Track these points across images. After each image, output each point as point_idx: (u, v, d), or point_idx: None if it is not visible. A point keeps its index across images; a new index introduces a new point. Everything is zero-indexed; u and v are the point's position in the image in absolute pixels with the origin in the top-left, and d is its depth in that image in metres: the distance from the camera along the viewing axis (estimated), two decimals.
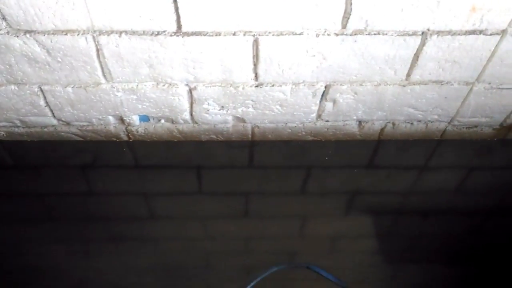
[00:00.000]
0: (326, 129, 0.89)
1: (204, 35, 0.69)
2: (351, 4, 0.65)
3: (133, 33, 0.68)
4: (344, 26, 0.68)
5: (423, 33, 0.70)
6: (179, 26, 0.67)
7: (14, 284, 0.61)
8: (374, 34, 0.69)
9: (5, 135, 0.88)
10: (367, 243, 0.69)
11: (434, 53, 0.73)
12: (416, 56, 0.73)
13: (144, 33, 0.68)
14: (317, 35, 0.69)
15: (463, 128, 0.90)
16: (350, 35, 0.69)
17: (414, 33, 0.70)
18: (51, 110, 0.82)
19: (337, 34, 0.69)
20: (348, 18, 0.67)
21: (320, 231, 0.71)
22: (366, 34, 0.69)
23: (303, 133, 0.90)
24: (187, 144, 0.86)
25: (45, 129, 0.87)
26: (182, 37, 0.68)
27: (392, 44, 0.71)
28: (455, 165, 0.83)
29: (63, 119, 0.84)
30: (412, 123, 0.89)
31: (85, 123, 0.86)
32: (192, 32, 0.68)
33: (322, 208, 0.74)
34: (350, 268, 0.66)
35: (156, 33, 0.68)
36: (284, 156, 0.83)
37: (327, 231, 0.71)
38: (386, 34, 0.69)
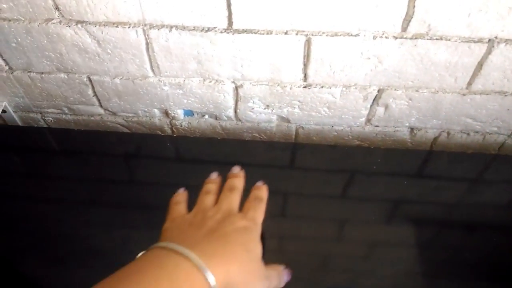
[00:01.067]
0: (375, 134, 0.85)
1: (255, 33, 0.66)
2: (413, 6, 0.60)
3: (184, 28, 0.66)
4: (404, 29, 0.64)
5: (489, 40, 0.64)
6: (230, 23, 0.65)
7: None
8: (436, 39, 0.65)
9: (52, 121, 0.90)
10: (404, 253, 0.65)
11: (500, 63, 0.67)
12: (480, 65, 0.68)
13: (194, 28, 0.66)
14: (374, 37, 0.66)
15: None
16: (410, 38, 0.65)
17: (480, 40, 0.64)
18: (99, 100, 0.82)
19: (396, 37, 0.65)
20: (410, 21, 0.63)
21: (355, 236, 0.67)
22: (427, 39, 0.65)
23: (350, 137, 0.87)
24: (230, 142, 0.85)
25: (92, 118, 0.88)
26: (233, 34, 0.66)
27: (455, 50, 0.66)
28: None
29: (109, 109, 0.85)
30: (468, 134, 0.83)
31: (130, 114, 0.86)
32: (243, 29, 0.66)
33: (360, 214, 0.71)
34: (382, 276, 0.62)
35: (207, 29, 0.66)
36: (328, 160, 0.80)
37: (362, 237, 0.67)
38: (449, 39, 0.65)
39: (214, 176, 0.52)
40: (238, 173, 0.52)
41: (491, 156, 0.83)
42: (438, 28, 0.63)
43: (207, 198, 0.48)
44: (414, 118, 0.80)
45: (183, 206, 0.49)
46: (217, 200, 0.48)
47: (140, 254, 0.40)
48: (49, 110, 0.87)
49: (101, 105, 0.84)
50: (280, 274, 0.45)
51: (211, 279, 0.36)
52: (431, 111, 0.78)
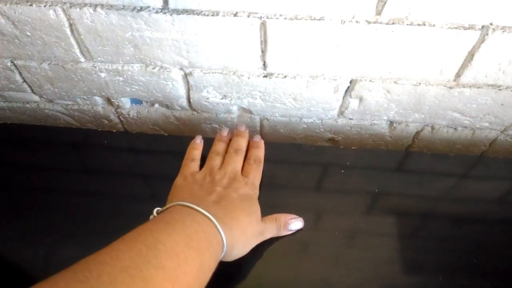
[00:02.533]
0: (349, 128, 0.75)
1: (198, 14, 0.54)
2: None
3: (110, 7, 0.54)
4: (378, 13, 0.52)
5: (483, 27, 0.53)
6: (165, 1, 0.53)
7: None
8: (418, 24, 0.53)
9: None
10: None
11: (495, 53, 0.56)
12: (471, 55, 0.57)
13: (124, 7, 0.54)
14: (342, 22, 0.54)
15: None
16: (386, 24, 0.53)
17: (472, 27, 0.53)
18: (30, 86, 0.71)
19: (368, 22, 0.53)
20: (385, 3, 0.51)
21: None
22: (407, 24, 0.53)
23: (321, 129, 0.76)
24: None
25: (28, 105, 0.77)
26: (171, 15, 0.55)
27: (441, 38, 0.54)
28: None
29: (44, 96, 0.73)
30: (455, 129, 0.73)
31: (69, 102, 0.75)
32: (182, 9, 0.54)
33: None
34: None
35: (139, 8, 0.54)
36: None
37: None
38: (433, 25, 0.53)
39: (225, 133, 0.63)
40: (244, 132, 0.62)
41: (475, 158, 0.73)
42: (420, 12, 0.51)
43: (215, 160, 0.57)
44: (393, 112, 0.69)
45: (196, 165, 0.58)
46: (223, 161, 0.57)
47: (158, 209, 0.46)
48: None
49: (33, 92, 0.72)
50: (279, 225, 0.53)
51: (224, 239, 0.43)
52: (412, 104, 0.67)
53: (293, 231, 0.55)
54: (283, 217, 0.54)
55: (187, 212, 0.44)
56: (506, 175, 0.67)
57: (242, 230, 0.47)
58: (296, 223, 0.55)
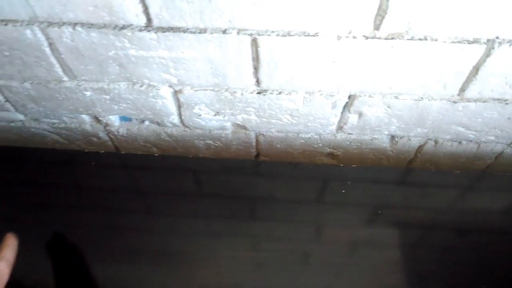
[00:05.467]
0: (348, 143, 0.71)
1: (184, 31, 0.51)
2: None
3: (91, 26, 0.51)
4: (377, 28, 0.49)
5: (488, 40, 0.49)
6: (148, 19, 0.50)
7: None
8: (420, 39, 0.50)
9: None
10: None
11: (502, 67, 0.52)
12: (476, 69, 0.53)
13: (105, 26, 0.51)
14: (338, 38, 0.50)
15: None
16: (385, 39, 0.50)
17: (476, 41, 0.49)
18: (13, 106, 0.68)
19: (366, 37, 0.50)
20: (383, 17, 0.47)
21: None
22: (407, 39, 0.50)
23: (320, 144, 0.72)
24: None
25: (12, 124, 0.74)
26: (155, 32, 0.51)
27: (444, 53, 0.51)
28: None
29: (29, 115, 0.70)
30: (460, 142, 0.69)
31: (55, 121, 0.71)
32: (167, 27, 0.51)
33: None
34: None
35: (121, 26, 0.51)
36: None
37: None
38: (436, 40, 0.49)
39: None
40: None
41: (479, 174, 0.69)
42: (421, 26, 0.48)
43: None
44: (395, 126, 0.66)
45: None
46: None
47: None
48: None
49: (17, 111, 0.69)
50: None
51: None
52: (414, 119, 0.64)
53: None
54: None
55: None
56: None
57: None
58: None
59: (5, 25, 0.52)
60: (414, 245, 0.60)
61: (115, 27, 0.51)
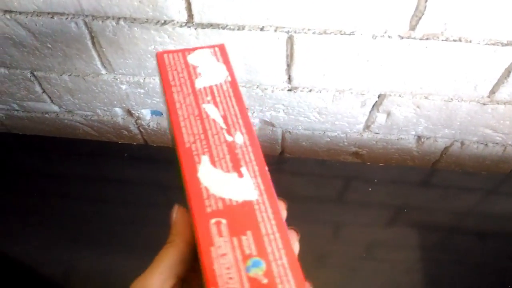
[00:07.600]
0: (374, 142, 0.72)
1: (223, 28, 0.53)
2: (426, 0, 0.46)
3: (134, 20, 0.53)
4: (412, 28, 0.50)
5: None
6: (190, 15, 0.51)
7: None
8: (454, 40, 0.50)
9: (4, 117, 0.78)
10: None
11: None
12: (508, 71, 0.54)
13: (147, 21, 0.53)
14: (374, 37, 0.51)
15: None
16: (420, 39, 0.51)
17: (510, 43, 0.50)
18: (49, 97, 0.70)
19: (401, 37, 0.51)
20: (420, 18, 0.48)
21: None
22: (442, 40, 0.51)
23: (345, 143, 0.74)
24: None
25: (47, 115, 0.76)
26: (195, 28, 0.53)
27: (477, 54, 0.52)
28: None
29: (64, 107, 0.72)
30: (486, 145, 0.70)
31: (89, 113, 0.74)
32: (207, 23, 0.52)
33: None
34: None
35: (163, 22, 0.53)
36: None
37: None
38: (470, 41, 0.50)
39: None
40: None
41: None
42: (456, 27, 0.49)
43: None
44: (422, 127, 0.67)
45: None
46: None
47: None
48: None
49: (53, 102, 0.71)
50: None
51: None
52: (443, 120, 0.65)
53: None
54: None
55: None
56: None
57: None
58: None
59: (51, 17, 0.54)
60: (433, 247, 0.61)
61: (157, 22, 0.53)
